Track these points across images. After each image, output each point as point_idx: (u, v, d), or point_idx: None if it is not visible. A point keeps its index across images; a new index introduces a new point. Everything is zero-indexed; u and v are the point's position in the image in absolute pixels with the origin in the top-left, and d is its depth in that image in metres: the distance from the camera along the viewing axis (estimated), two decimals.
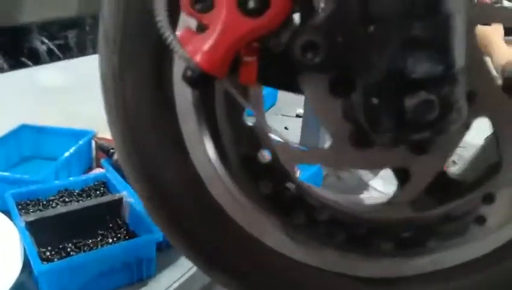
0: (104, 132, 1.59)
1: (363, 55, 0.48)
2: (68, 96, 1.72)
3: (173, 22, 0.54)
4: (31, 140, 1.69)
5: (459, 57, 0.48)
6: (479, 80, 0.59)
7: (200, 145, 0.61)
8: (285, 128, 2.04)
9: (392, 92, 0.48)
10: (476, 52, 0.58)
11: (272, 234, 0.64)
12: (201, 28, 0.54)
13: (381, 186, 1.63)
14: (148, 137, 0.62)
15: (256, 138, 0.64)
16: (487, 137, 0.68)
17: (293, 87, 0.56)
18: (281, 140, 0.64)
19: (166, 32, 0.51)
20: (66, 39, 0.91)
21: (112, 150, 1.48)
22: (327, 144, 0.64)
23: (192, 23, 0.56)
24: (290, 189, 0.66)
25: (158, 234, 1.19)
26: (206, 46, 0.50)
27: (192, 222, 0.66)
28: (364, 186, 1.65)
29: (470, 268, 0.69)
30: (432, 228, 0.69)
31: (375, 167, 0.67)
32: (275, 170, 0.64)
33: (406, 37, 0.46)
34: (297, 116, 2.15)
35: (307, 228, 0.67)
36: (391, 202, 0.70)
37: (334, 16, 0.49)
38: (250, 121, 0.64)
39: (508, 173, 0.65)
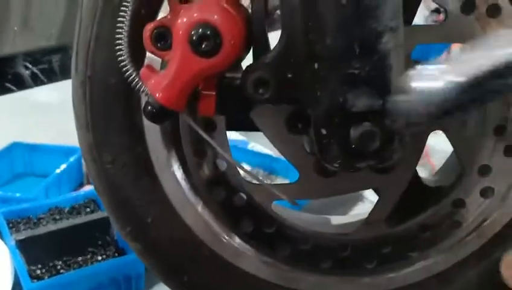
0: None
1: (310, 90, 0.53)
2: (57, 115, 1.77)
3: (139, 59, 0.60)
4: (22, 158, 1.75)
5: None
6: None
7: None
8: None
9: (338, 123, 0.53)
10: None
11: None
12: (165, 65, 0.59)
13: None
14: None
15: (230, 182, 0.70)
16: None
17: (252, 124, 0.62)
18: (254, 180, 0.70)
19: (129, 70, 0.56)
20: (50, 63, 0.96)
21: None
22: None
23: (158, 60, 0.61)
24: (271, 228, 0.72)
25: None
26: (164, 83, 0.55)
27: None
28: (359, 198, 1.69)
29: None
30: (412, 238, 0.74)
31: (344, 193, 0.72)
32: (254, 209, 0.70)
33: (345, 74, 0.51)
34: None
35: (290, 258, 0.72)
36: (368, 221, 0.74)
37: (283, 55, 0.54)
38: (221, 166, 0.69)
39: (471, 178, 0.70)
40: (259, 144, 1.95)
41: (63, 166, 1.61)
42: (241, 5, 0.57)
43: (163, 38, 0.57)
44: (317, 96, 0.53)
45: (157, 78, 0.56)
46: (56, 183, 1.58)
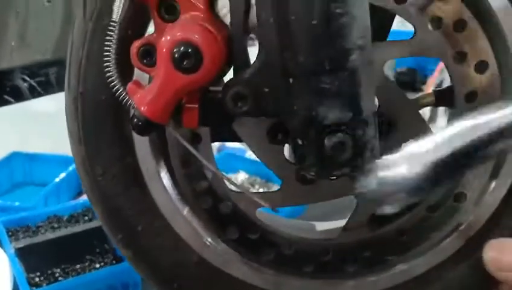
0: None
1: (286, 103, 0.58)
2: (55, 125, 1.82)
3: (128, 75, 0.65)
4: (22, 167, 1.80)
5: (368, 103, 0.58)
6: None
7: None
8: None
9: (313, 134, 0.58)
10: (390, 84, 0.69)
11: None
12: (151, 80, 0.64)
13: None
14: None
15: (216, 191, 0.75)
16: None
17: (235, 135, 0.67)
18: (237, 189, 0.74)
19: (117, 85, 0.61)
20: (47, 76, 1.02)
21: None
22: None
23: (146, 75, 0.66)
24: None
25: None
26: (149, 97, 0.60)
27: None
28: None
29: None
30: (390, 243, 0.78)
31: (324, 199, 0.77)
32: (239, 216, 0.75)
33: (317, 89, 0.56)
34: None
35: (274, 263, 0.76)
36: (347, 227, 0.79)
37: (260, 71, 0.59)
38: (208, 176, 0.74)
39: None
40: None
41: (62, 175, 1.66)
42: (222, 24, 0.62)
43: (149, 55, 0.61)
44: (293, 109, 0.58)
45: (143, 93, 0.61)
46: (55, 192, 1.63)
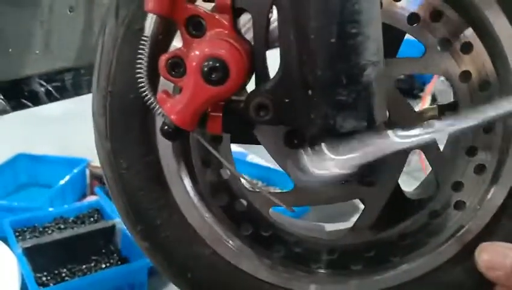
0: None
1: (304, 113, 0.64)
2: (63, 127, 1.88)
3: (154, 85, 0.71)
4: (27, 168, 1.86)
5: (381, 113, 0.64)
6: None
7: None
8: None
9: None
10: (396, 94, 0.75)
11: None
12: (177, 90, 0.70)
13: None
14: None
15: (232, 189, 0.81)
16: None
17: (254, 139, 0.73)
18: (253, 188, 0.80)
19: (148, 95, 0.67)
20: (63, 81, 1.07)
21: None
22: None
23: (170, 84, 0.72)
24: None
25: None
26: (179, 107, 0.66)
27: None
28: (356, 209, 1.80)
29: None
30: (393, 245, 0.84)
31: (334, 201, 0.83)
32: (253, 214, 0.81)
33: (335, 100, 0.62)
34: None
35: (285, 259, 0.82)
36: (354, 229, 0.85)
37: (281, 83, 0.65)
38: (225, 175, 0.81)
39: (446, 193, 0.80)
40: (257, 156, 2.06)
41: (67, 177, 1.71)
42: (245, 39, 0.68)
43: (177, 67, 0.67)
44: (311, 118, 0.64)
45: (173, 102, 0.66)
46: (60, 194, 1.68)
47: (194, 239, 0.80)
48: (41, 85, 1.09)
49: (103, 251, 1.50)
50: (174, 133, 0.67)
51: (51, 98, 1.10)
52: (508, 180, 0.75)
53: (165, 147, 0.77)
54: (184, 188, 0.79)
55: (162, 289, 1.42)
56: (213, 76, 0.64)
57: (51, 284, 1.38)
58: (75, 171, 1.75)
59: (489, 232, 0.77)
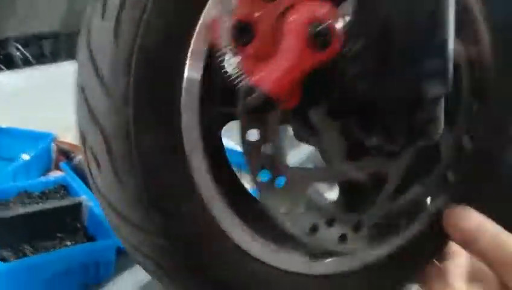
0: (64, 136, 1.73)
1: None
2: (32, 99, 1.84)
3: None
4: None
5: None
6: None
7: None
8: None
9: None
10: None
11: None
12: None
13: None
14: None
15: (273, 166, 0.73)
16: None
17: None
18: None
19: (233, 65, 0.61)
20: (41, 47, 1.06)
21: (73, 154, 1.62)
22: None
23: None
24: None
25: (117, 239, 1.33)
26: (275, 75, 0.61)
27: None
28: None
29: None
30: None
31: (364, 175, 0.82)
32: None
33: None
34: None
35: None
36: None
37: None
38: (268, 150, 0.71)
39: None
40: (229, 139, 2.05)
41: (33, 152, 1.68)
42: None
43: (245, 32, 0.60)
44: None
45: (263, 71, 0.60)
46: (24, 168, 1.65)
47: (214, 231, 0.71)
48: (18, 49, 1.07)
49: (69, 228, 1.48)
50: (266, 106, 0.61)
51: (26, 63, 1.08)
52: None
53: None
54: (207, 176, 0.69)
55: (129, 268, 1.41)
56: (318, 41, 0.61)
57: (12, 259, 1.36)
58: (42, 145, 1.72)
59: None
